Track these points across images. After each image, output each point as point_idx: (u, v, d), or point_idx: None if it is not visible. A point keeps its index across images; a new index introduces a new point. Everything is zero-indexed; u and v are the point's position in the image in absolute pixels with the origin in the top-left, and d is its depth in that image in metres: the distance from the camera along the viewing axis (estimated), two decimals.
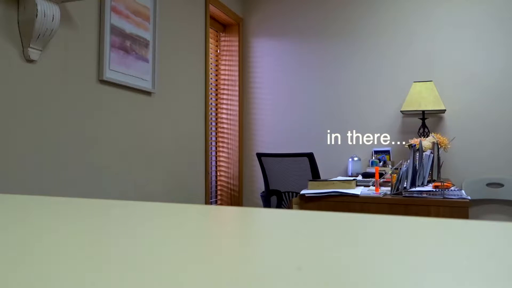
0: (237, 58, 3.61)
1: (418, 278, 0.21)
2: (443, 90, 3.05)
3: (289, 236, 0.32)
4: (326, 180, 1.90)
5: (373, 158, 3.11)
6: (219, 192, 3.59)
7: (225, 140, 3.61)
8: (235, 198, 3.57)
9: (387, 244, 0.29)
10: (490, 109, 2.97)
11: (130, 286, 0.20)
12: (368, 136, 3.28)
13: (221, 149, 3.61)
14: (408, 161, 1.76)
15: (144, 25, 2.33)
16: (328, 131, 3.39)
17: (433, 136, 2.60)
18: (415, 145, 1.79)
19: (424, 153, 1.92)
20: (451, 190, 1.75)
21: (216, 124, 3.58)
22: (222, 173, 3.61)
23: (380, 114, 3.26)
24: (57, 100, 1.79)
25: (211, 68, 3.42)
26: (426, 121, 3.03)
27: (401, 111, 3.03)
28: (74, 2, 1.84)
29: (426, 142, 2.43)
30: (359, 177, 2.45)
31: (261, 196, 2.84)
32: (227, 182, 3.61)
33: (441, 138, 2.69)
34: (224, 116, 3.62)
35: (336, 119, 3.38)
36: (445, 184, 1.74)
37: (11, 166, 1.59)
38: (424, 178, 1.90)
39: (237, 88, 3.60)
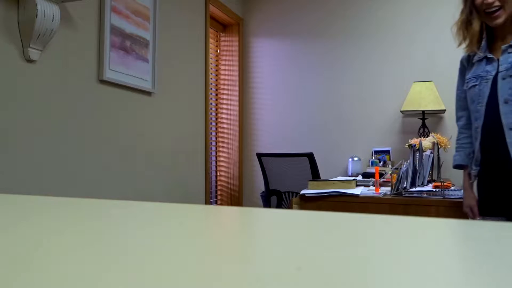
0: (237, 58, 3.61)
1: (418, 278, 0.21)
2: (443, 90, 3.04)
3: (289, 236, 0.32)
4: (326, 180, 1.91)
5: (373, 158, 3.11)
6: (219, 192, 3.59)
7: (225, 140, 3.61)
8: (235, 198, 3.57)
9: (387, 244, 0.29)
10: None
11: (130, 286, 0.20)
12: (367, 136, 3.28)
13: (221, 149, 3.61)
14: (408, 161, 1.76)
15: (144, 25, 2.33)
16: (328, 131, 3.39)
17: (433, 136, 2.60)
18: (415, 145, 1.79)
19: (424, 153, 1.92)
20: (451, 190, 1.75)
21: (216, 124, 3.58)
22: (222, 173, 3.61)
23: (380, 114, 3.26)
24: (57, 100, 1.79)
25: (211, 68, 3.42)
26: (426, 121, 3.03)
27: (401, 111, 3.03)
28: (74, 2, 1.84)
29: (426, 142, 2.43)
30: (359, 177, 2.45)
31: (261, 196, 2.84)
32: (227, 182, 3.61)
33: (441, 138, 2.69)
34: (224, 116, 3.62)
35: (336, 119, 3.38)
36: (445, 184, 1.74)
37: (11, 166, 1.59)
38: (424, 178, 1.90)
39: (237, 88, 3.60)
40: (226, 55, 3.65)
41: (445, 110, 2.92)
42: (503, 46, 1.38)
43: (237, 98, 3.59)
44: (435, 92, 2.89)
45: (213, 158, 3.49)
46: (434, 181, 2.06)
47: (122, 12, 2.15)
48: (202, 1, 3.05)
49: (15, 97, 1.61)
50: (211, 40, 3.42)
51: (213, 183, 3.49)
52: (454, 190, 1.77)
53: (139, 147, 2.31)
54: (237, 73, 3.60)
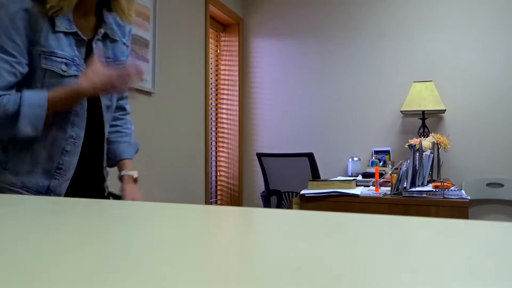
0: (237, 58, 3.61)
1: (418, 278, 0.21)
2: (443, 90, 3.05)
3: (289, 236, 0.32)
4: (326, 180, 1.91)
5: (373, 158, 3.11)
6: (219, 192, 3.59)
7: (225, 140, 3.61)
8: (235, 198, 3.57)
9: (387, 244, 0.29)
10: (490, 109, 2.97)
11: (129, 286, 0.20)
12: (368, 136, 3.28)
13: (221, 149, 3.61)
14: (408, 161, 1.76)
15: (144, 25, 2.33)
16: (328, 131, 3.39)
17: (433, 136, 2.60)
18: (415, 145, 1.79)
19: (424, 153, 1.92)
20: (451, 190, 1.75)
21: (216, 124, 3.58)
22: (222, 173, 3.61)
23: (380, 114, 3.26)
24: None
25: (211, 68, 3.42)
26: (426, 121, 3.03)
27: (401, 111, 3.03)
28: None
29: (426, 142, 2.43)
30: (359, 177, 2.45)
31: (261, 196, 2.84)
32: (227, 182, 3.61)
33: (441, 138, 2.69)
34: (224, 116, 3.62)
35: (336, 119, 3.38)
36: (445, 184, 1.74)
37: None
38: (424, 178, 1.90)
39: (237, 88, 3.60)
40: (226, 55, 3.64)
41: (445, 110, 2.93)
42: (100, 32, 1.07)
43: (237, 98, 3.59)
44: (435, 92, 2.89)
45: (213, 158, 3.49)
46: (434, 181, 2.06)
47: None
48: (202, 1, 3.05)
49: None
50: (211, 40, 3.42)
51: (213, 183, 3.49)
52: (454, 190, 1.77)
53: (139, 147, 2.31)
54: (237, 73, 3.60)
